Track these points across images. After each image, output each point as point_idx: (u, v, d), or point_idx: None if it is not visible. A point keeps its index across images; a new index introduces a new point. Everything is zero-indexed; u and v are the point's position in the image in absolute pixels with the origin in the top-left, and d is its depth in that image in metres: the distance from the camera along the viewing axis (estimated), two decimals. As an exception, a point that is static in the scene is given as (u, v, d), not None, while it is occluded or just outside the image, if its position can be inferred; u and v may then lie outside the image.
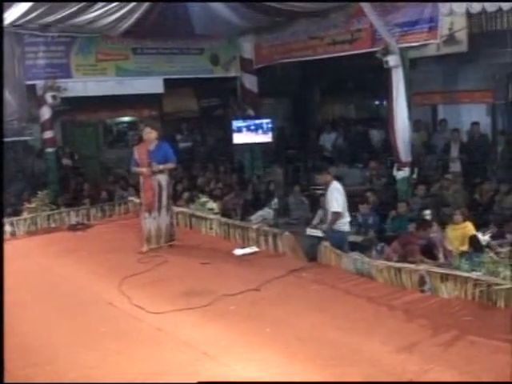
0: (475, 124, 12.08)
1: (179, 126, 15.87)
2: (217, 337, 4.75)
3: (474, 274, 4.90)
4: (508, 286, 4.64)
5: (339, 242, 6.90)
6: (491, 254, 4.97)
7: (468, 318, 4.69)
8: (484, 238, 5.91)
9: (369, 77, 13.13)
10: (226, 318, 5.13)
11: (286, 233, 7.00)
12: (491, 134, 12.23)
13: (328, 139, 15.40)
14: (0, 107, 8.71)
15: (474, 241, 6.64)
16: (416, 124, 12.64)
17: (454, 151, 11.66)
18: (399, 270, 5.51)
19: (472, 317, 4.71)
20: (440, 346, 4.27)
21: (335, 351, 4.29)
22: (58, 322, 5.36)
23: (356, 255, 6.20)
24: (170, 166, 7.56)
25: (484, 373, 3.85)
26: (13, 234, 8.75)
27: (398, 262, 6.99)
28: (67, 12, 9.55)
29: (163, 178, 7.45)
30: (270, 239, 7.06)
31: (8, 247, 8.09)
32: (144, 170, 7.42)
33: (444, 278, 5.08)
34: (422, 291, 5.28)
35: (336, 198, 7.29)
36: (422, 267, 5.39)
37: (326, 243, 6.38)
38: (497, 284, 4.72)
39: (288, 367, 4.12)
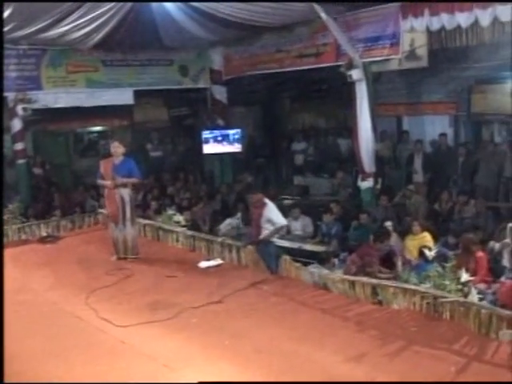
0: (443, 135, 12.42)
1: (150, 136, 16.01)
2: (178, 349, 4.99)
3: (421, 287, 5.19)
4: (452, 299, 4.94)
5: (274, 251, 7.24)
6: (438, 268, 5.27)
7: (414, 329, 4.99)
8: (430, 253, 6.19)
9: (338, 86, 13.40)
10: (188, 330, 5.36)
11: (248, 247, 7.22)
12: (454, 145, 12.63)
13: (298, 148, 15.72)
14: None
15: (422, 253, 6.95)
16: (382, 134, 13.05)
17: (417, 162, 12.00)
18: (353, 282, 5.80)
19: (418, 327, 5.01)
20: (387, 355, 4.56)
21: (289, 362, 4.56)
22: (27, 335, 5.53)
23: (314, 267, 6.46)
24: (134, 180, 7.78)
25: (427, 380, 4.13)
26: (-18, 247, 8.85)
27: (356, 272, 7.34)
28: (37, 27, 9.71)
29: (126, 193, 7.68)
30: (234, 252, 7.28)
31: (-22, 260, 8.34)
32: (108, 182, 7.64)
33: (394, 290, 5.37)
34: (375, 303, 5.56)
35: (277, 212, 7.59)
36: (374, 280, 5.68)
37: (286, 256, 6.62)
38: (442, 297, 5.03)
39: (244, 379, 4.37)
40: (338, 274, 6.17)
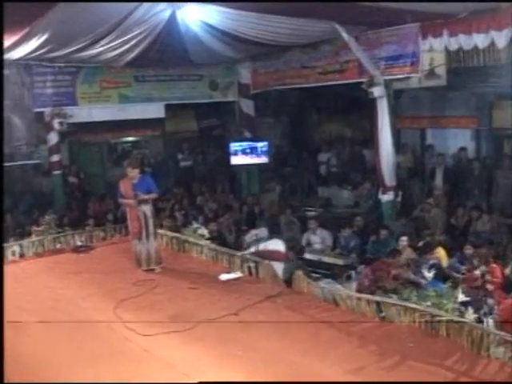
0: (463, 150, 12.71)
1: (180, 146, 16.60)
2: (196, 358, 5.46)
3: (420, 306, 5.57)
4: (447, 318, 5.32)
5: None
6: (436, 288, 5.66)
7: (412, 345, 5.36)
8: (429, 274, 6.56)
9: (364, 97, 13.76)
10: (205, 341, 5.82)
11: (266, 261, 7.66)
12: (474, 159, 12.86)
13: (324, 159, 16.08)
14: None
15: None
16: (403, 147, 13.36)
17: (439, 175, 12.27)
18: (359, 298, 6.21)
19: (416, 343, 5.38)
20: (383, 369, 4.95)
21: (293, 372, 4.99)
22: (58, 343, 6.05)
23: (326, 282, 6.89)
24: (154, 195, 8.27)
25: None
26: (22, 256, 9.48)
27: (369, 286, 7.75)
28: (72, 48, 10.32)
29: (148, 209, 8.20)
30: (253, 266, 7.75)
31: (17, 268, 8.98)
32: (131, 201, 8.17)
33: (395, 307, 5.77)
34: (379, 318, 5.96)
35: None
36: (378, 297, 6.08)
37: (300, 272, 7.05)
38: (438, 315, 5.41)
39: (251, 388, 4.84)
40: (345, 291, 6.55)
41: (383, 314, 5.90)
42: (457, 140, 13.28)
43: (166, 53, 11.31)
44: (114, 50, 10.72)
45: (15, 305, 7.18)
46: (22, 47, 9.83)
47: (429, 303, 5.60)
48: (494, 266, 7.50)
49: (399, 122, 12.95)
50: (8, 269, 8.93)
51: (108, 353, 5.71)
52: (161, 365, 5.39)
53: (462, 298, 5.56)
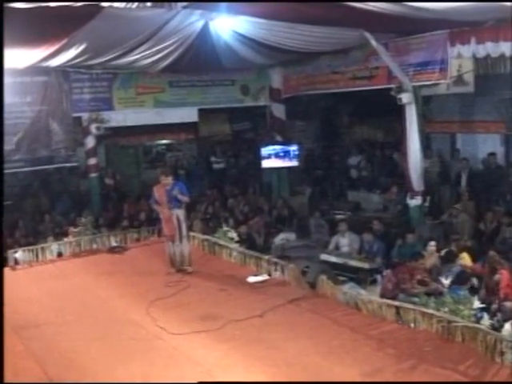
0: (492, 155, 12.79)
1: (213, 148, 16.99)
2: (221, 358, 5.75)
3: (437, 312, 5.78)
4: (463, 324, 5.53)
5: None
6: (453, 295, 5.87)
7: (428, 349, 5.57)
8: (446, 281, 6.74)
9: (395, 100, 13.90)
10: (231, 341, 6.11)
11: (291, 265, 7.93)
12: (504, 165, 12.93)
13: (354, 162, 16.24)
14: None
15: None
16: (426, 152, 13.43)
17: (464, 180, 12.38)
18: (379, 302, 6.44)
19: (432, 348, 5.59)
20: (398, 372, 5.18)
21: (312, 373, 5.25)
22: (93, 340, 6.41)
23: (348, 286, 7.13)
24: (186, 198, 8.60)
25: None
26: (59, 255, 9.93)
27: (392, 289, 7.97)
28: (109, 57, 10.75)
29: (181, 213, 8.55)
30: (279, 269, 8.03)
31: (55, 268, 9.42)
32: (160, 207, 8.61)
33: (414, 313, 5.99)
34: (398, 323, 6.19)
35: None
36: (397, 303, 6.31)
37: (323, 276, 7.30)
38: (454, 321, 5.62)
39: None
40: (366, 295, 6.78)
41: (402, 319, 6.11)
42: (486, 145, 13.36)
43: (199, 60, 11.63)
44: (149, 57, 11.11)
45: (55, 303, 7.64)
46: (61, 56, 10.28)
47: (446, 309, 5.80)
48: (503, 271, 7.65)
49: (429, 127, 13.10)
50: (47, 268, 9.46)
51: (140, 350, 6.04)
52: (189, 362, 5.69)
53: (477, 304, 5.76)
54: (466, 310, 5.67)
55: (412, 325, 5.95)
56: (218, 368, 5.54)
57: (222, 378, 5.33)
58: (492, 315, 5.94)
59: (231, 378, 5.31)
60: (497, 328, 5.68)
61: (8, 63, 10.17)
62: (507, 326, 5.86)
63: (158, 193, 8.63)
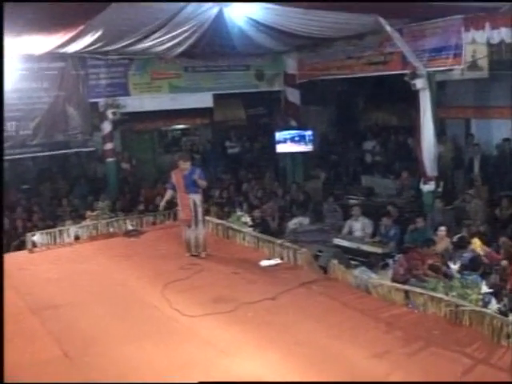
0: (506, 140, 12.77)
1: (228, 133, 17.10)
2: (234, 339, 5.91)
3: (445, 296, 5.88)
4: (470, 308, 5.63)
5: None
6: (461, 280, 5.96)
7: (436, 332, 5.69)
8: (454, 267, 6.82)
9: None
10: (243, 323, 6.26)
11: (303, 249, 8.06)
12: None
13: (369, 146, 16.28)
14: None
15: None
16: (441, 137, 13.44)
17: (476, 165, 12.39)
18: (389, 287, 6.55)
19: (440, 331, 5.70)
20: (406, 354, 5.30)
21: (323, 355, 5.39)
22: (110, 321, 6.59)
23: (359, 271, 7.24)
24: (203, 182, 8.69)
25: (434, 378, 4.87)
26: (77, 239, 10.14)
27: (404, 274, 8.07)
28: (124, 43, 10.86)
29: (198, 198, 8.64)
30: (291, 253, 8.16)
31: (73, 250, 9.64)
32: (182, 195, 8.68)
33: (422, 297, 6.10)
34: (408, 307, 6.31)
35: None
36: (406, 287, 6.42)
37: (334, 261, 7.42)
38: (462, 305, 5.72)
39: (284, 366, 5.25)
40: (377, 279, 6.89)
41: (411, 302, 6.22)
42: (501, 131, 13.31)
43: (214, 46, 11.74)
44: (165, 43, 11.19)
45: (73, 285, 7.84)
46: (78, 42, 10.42)
47: (454, 293, 5.90)
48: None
49: (444, 112, 13.08)
50: (64, 250, 9.68)
51: (154, 331, 6.21)
52: (202, 343, 5.86)
53: (485, 289, 5.85)
54: (474, 294, 5.77)
55: (421, 308, 6.04)
56: (230, 348, 5.70)
57: (234, 358, 5.48)
58: (499, 300, 6.02)
59: (243, 359, 5.47)
60: (504, 312, 5.76)
61: (25, 50, 10.39)
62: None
63: (176, 178, 8.73)
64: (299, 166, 15.48)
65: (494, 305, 5.74)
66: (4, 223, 11.47)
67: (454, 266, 6.78)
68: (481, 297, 5.78)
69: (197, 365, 5.41)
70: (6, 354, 5.68)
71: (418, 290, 6.19)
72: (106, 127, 12.90)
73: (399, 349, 5.44)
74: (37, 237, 9.79)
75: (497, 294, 6.49)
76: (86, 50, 11.11)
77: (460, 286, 5.84)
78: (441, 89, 12.39)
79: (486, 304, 5.78)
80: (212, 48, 11.95)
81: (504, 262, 7.62)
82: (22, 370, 5.47)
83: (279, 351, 5.55)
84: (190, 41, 11.10)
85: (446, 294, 5.97)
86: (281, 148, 15.02)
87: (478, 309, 5.60)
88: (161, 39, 10.80)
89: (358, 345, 5.54)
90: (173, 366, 5.41)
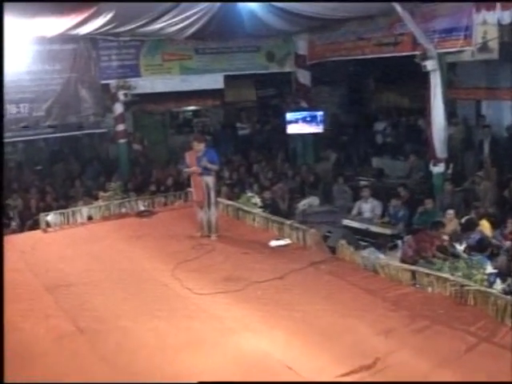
0: (516, 122, 12.77)
1: (239, 115, 17.16)
2: (242, 316, 6.04)
3: (450, 276, 5.98)
4: (475, 288, 5.73)
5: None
6: (466, 260, 6.06)
7: (441, 311, 5.79)
8: (460, 247, 6.90)
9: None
10: (252, 301, 6.39)
11: (312, 230, 8.17)
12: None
13: (380, 127, 16.29)
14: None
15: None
16: (451, 118, 13.43)
17: (486, 147, 12.40)
18: (396, 267, 6.66)
19: (445, 310, 5.79)
20: (411, 332, 5.42)
21: (330, 332, 5.51)
22: (123, 298, 6.74)
23: (367, 251, 7.35)
24: (215, 166, 8.78)
25: (438, 355, 4.99)
26: (90, 219, 10.30)
27: (412, 255, 8.16)
28: (136, 24, 10.94)
29: (210, 180, 8.71)
30: (300, 233, 8.27)
31: (86, 230, 9.80)
32: (193, 168, 8.73)
33: (429, 277, 6.21)
34: (415, 286, 6.41)
35: None
36: (413, 267, 6.52)
37: (343, 241, 7.52)
38: (467, 285, 5.82)
39: (291, 343, 5.38)
40: (384, 260, 6.99)
41: (418, 282, 6.33)
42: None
43: (225, 27, 11.78)
44: (176, 25, 11.28)
45: (86, 264, 8.01)
46: (89, 24, 10.52)
47: (460, 274, 6.00)
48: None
49: (455, 93, 13.07)
50: (77, 230, 9.85)
51: (165, 308, 6.36)
52: (211, 320, 5.99)
53: (490, 269, 5.95)
54: (479, 274, 5.86)
55: (430, 289, 6.14)
56: (239, 325, 5.84)
57: (243, 335, 5.62)
58: (503, 280, 6.12)
59: (251, 335, 5.61)
60: (508, 292, 5.86)
61: (38, 32, 10.49)
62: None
63: (190, 159, 8.80)
64: (310, 148, 15.54)
65: (498, 285, 5.84)
66: (19, 203, 11.69)
67: (460, 247, 6.87)
68: (486, 277, 5.87)
69: (206, 341, 5.55)
70: (21, 330, 5.94)
71: (424, 270, 6.26)
72: (118, 108, 13.02)
73: (405, 327, 5.55)
74: (50, 217, 9.95)
75: (505, 274, 6.56)
76: (98, 31, 11.21)
77: (465, 267, 5.93)
78: (452, 70, 12.37)
79: (491, 284, 5.87)
80: (223, 29, 11.97)
81: (508, 243, 7.67)
82: (38, 345, 5.65)
83: (287, 328, 5.68)
84: (201, 22, 11.17)
85: (452, 275, 6.05)
86: (292, 128, 15.04)
87: (482, 289, 5.70)
88: (172, 20, 10.91)
89: (365, 323, 5.66)
90: (183, 342, 5.56)
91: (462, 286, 5.84)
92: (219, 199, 10.23)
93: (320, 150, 15.76)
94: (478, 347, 5.08)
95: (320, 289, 6.62)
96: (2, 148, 9.33)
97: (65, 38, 11.52)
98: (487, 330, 5.36)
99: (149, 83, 13.30)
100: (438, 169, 11.52)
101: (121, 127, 13.23)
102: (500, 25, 10.01)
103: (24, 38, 10.66)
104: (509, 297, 5.51)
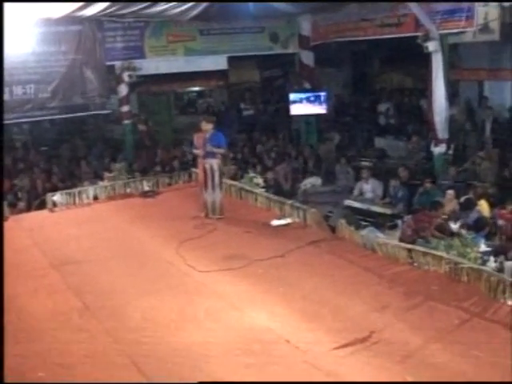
0: (519, 102, 12.84)
1: (243, 96, 17.26)
2: (243, 293, 6.24)
3: (445, 254, 6.16)
4: (468, 266, 5.91)
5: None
6: (461, 239, 6.23)
7: (436, 288, 5.98)
8: (455, 226, 7.06)
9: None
10: (253, 278, 6.59)
11: (313, 209, 8.34)
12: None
13: (383, 108, 16.36)
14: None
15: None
16: (454, 99, 13.50)
17: (488, 128, 12.48)
18: (393, 245, 6.84)
19: (439, 287, 5.98)
20: (405, 308, 5.61)
21: (328, 308, 5.71)
22: (128, 276, 6.95)
23: (367, 230, 7.52)
24: (221, 150, 8.93)
25: (431, 330, 5.19)
26: (95, 198, 10.49)
27: (411, 235, 8.32)
28: (140, 6, 11.02)
29: (215, 162, 8.84)
30: (301, 213, 8.44)
31: (92, 210, 10.00)
32: (199, 151, 8.91)
33: (425, 254, 6.39)
34: (411, 264, 6.59)
35: None
36: (409, 245, 6.70)
37: (342, 220, 7.70)
38: (461, 263, 6.00)
39: (289, 318, 5.58)
40: (382, 238, 7.16)
41: (414, 260, 6.50)
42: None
43: (229, 8, 11.82)
44: (180, 6, 11.32)
45: (92, 242, 8.21)
46: (95, 5, 10.60)
47: (454, 252, 6.17)
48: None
49: (457, 74, 13.12)
50: (84, 210, 10.04)
51: (169, 285, 6.57)
52: (213, 296, 6.20)
53: (483, 247, 6.12)
54: (473, 252, 6.03)
55: (426, 267, 6.32)
56: (240, 302, 6.04)
57: (244, 311, 5.82)
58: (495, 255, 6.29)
59: (252, 311, 5.81)
60: (501, 270, 6.03)
61: (43, 13, 10.59)
62: (508, 264, 6.20)
63: (198, 140, 8.93)
64: (313, 128, 15.62)
65: (492, 262, 6.01)
66: (25, 183, 11.89)
67: (455, 226, 7.03)
68: (479, 255, 6.04)
69: (209, 316, 5.76)
70: (30, 306, 6.16)
71: (420, 248, 6.43)
72: (123, 90, 13.13)
73: (399, 303, 5.75)
74: (57, 197, 10.14)
75: (498, 252, 6.70)
76: (103, 12, 11.27)
77: (460, 245, 6.10)
78: (454, 51, 12.43)
79: (484, 262, 6.04)
80: (227, 11, 12.02)
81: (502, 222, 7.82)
82: (45, 321, 5.86)
83: (287, 305, 5.88)
84: (205, 3, 11.20)
85: (447, 253, 6.22)
86: (295, 109, 15.10)
87: (475, 266, 5.87)
88: (175, 2, 10.92)
89: (362, 299, 5.86)
90: (186, 317, 5.77)
91: (456, 263, 6.01)
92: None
93: (323, 131, 15.86)
94: (470, 322, 5.28)
95: (319, 267, 6.81)
96: (1, 135, 9.55)
97: (70, 19, 11.57)
98: (479, 306, 5.55)
99: (153, 64, 13.39)
100: (439, 149, 11.59)
101: (126, 108, 13.35)
102: (501, 6, 10.06)
103: (29, 20, 10.75)
104: (501, 274, 5.67)
